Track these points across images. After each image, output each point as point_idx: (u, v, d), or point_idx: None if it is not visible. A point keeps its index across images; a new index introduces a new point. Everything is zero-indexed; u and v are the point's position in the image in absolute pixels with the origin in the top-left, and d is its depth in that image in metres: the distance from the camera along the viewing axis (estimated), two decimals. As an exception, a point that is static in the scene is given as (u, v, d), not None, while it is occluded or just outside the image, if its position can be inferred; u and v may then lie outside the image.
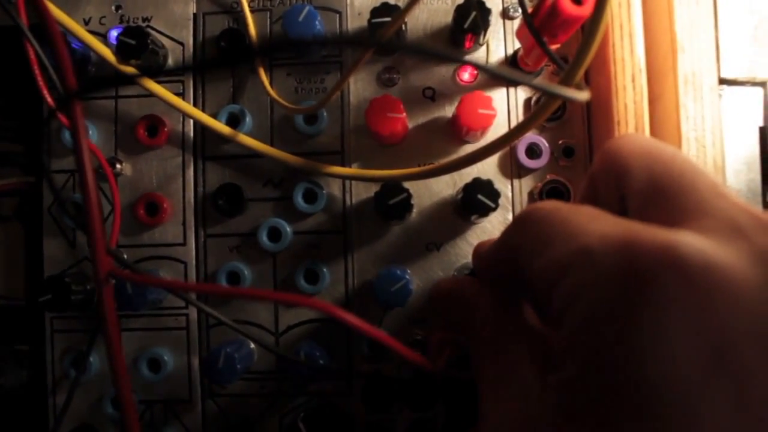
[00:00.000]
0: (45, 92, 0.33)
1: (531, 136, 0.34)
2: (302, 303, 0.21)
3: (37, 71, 0.33)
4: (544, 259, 0.18)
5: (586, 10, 0.28)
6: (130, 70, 0.33)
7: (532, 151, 0.34)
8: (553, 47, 0.31)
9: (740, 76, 0.32)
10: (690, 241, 0.15)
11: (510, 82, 0.35)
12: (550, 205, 0.21)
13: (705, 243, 0.15)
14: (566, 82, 0.24)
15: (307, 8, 0.32)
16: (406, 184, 0.32)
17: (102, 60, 0.34)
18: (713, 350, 0.14)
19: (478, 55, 0.35)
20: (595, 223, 0.17)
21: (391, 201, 0.31)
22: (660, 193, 0.19)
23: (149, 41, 0.33)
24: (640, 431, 0.14)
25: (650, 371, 0.14)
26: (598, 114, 0.34)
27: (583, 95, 0.25)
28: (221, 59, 0.35)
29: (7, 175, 0.44)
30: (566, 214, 0.19)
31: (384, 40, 0.28)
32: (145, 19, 0.36)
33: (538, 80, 0.34)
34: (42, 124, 0.25)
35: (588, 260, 0.16)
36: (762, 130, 0.33)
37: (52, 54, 0.25)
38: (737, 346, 0.14)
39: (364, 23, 0.35)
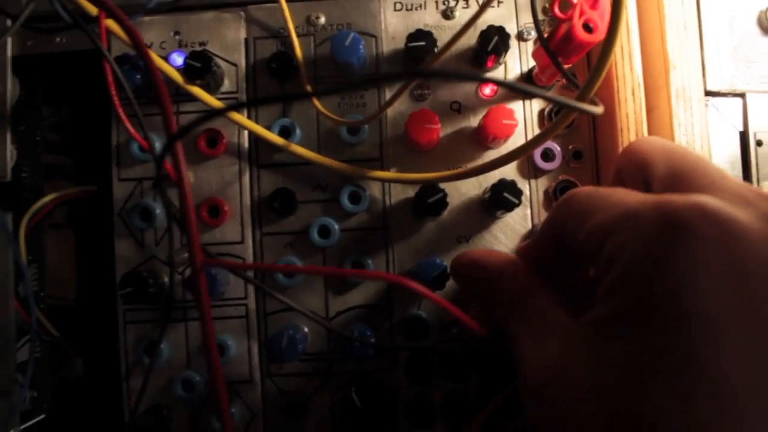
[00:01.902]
0: (120, 109, 0.37)
1: (545, 143, 0.39)
2: (373, 276, 0.26)
3: (113, 91, 0.37)
4: (591, 224, 0.23)
5: (597, 36, 0.33)
6: (194, 89, 0.38)
7: (547, 155, 0.39)
8: (565, 66, 0.36)
9: (723, 89, 0.38)
10: (713, 200, 0.20)
11: (542, 98, 0.40)
12: (589, 187, 0.26)
13: (724, 203, 0.20)
14: (583, 97, 0.30)
15: (352, 34, 0.37)
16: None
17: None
18: (736, 283, 0.19)
19: (498, 73, 0.40)
20: (631, 196, 0.23)
21: (430, 199, 0.36)
22: (679, 177, 0.24)
23: (213, 64, 0.37)
24: (673, 344, 0.19)
25: (685, 297, 0.19)
26: (603, 123, 0.39)
27: (599, 109, 0.30)
28: (277, 97, 0.40)
29: (56, 186, 0.48)
30: (606, 192, 0.24)
31: (430, 70, 0.33)
32: (201, 44, 0.41)
33: (562, 96, 0.40)
34: (157, 178, 0.30)
35: (632, 218, 0.21)
36: (742, 134, 0.38)
37: (156, 98, 0.30)
38: (754, 283, 0.19)
39: (398, 46, 0.40)
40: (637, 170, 0.27)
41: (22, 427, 0.41)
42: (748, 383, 0.19)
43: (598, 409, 0.21)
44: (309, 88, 0.39)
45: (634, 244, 0.21)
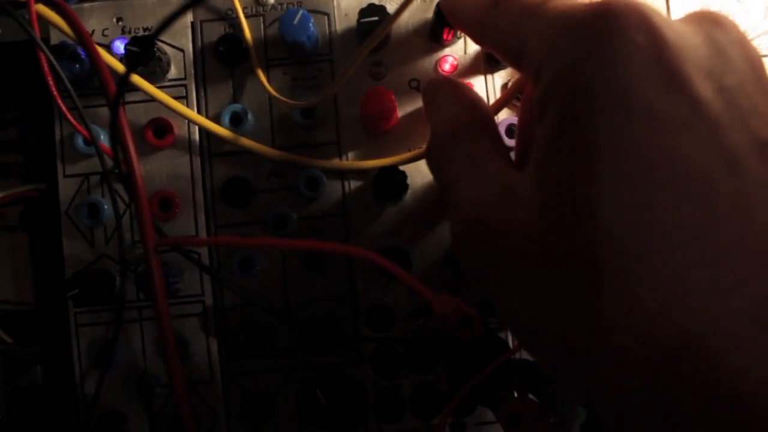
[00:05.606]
0: (60, 101, 0.35)
1: (510, 118, 0.37)
2: (342, 250, 0.25)
3: (51, 82, 0.35)
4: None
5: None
6: (137, 77, 0.36)
7: (512, 130, 0.38)
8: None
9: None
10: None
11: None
12: None
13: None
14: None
15: (301, 12, 0.35)
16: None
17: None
18: (658, 63, 0.19)
19: (457, 47, 0.39)
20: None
21: (389, 182, 0.35)
22: None
23: (155, 49, 0.35)
24: (608, 130, 0.19)
25: (616, 75, 0.19)
26: (568, 94, 0.37)
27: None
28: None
29: (6, 186, 0.46)
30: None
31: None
32: (145, 29, 0.39)
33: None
34: (113, 129, 0.29)
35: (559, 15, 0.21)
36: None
37: (93, 67, 0.28)
38: (679, 60, 0.19)
39: (351, 24, 0.38)
40: None
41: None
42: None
43: (536, 227, 0.20)
44: (260, 71, 0.37)
45: (566, 37, 0.21)
